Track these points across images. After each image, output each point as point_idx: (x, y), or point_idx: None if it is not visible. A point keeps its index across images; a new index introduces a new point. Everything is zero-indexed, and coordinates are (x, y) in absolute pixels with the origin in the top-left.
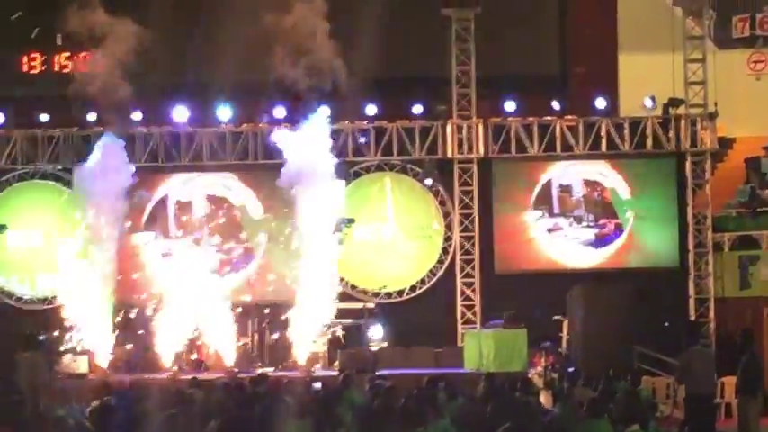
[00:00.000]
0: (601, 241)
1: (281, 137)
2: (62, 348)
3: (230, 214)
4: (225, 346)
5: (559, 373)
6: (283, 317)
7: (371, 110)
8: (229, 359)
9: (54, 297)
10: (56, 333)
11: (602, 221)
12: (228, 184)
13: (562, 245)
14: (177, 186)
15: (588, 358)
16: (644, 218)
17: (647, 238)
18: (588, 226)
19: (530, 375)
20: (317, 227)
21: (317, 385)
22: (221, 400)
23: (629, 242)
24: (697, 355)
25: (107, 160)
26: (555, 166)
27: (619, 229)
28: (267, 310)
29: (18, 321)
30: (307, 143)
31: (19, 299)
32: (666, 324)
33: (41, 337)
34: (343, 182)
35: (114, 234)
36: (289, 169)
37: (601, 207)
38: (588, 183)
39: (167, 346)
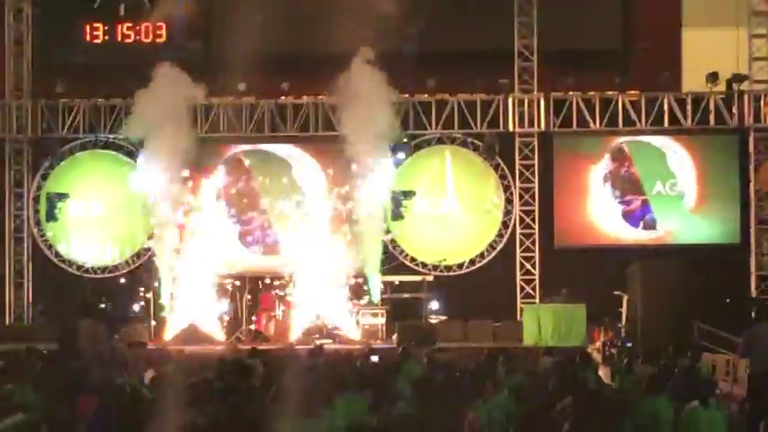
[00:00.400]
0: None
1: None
2: (123, 317)
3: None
4: (284, 316)
5: (618, 349)
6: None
7: (432, 83)
8: (288, 330)
9: (115, 266)
10: (114, 302)
11: (627, 198)
12: (295, 156)
13: (621, 219)
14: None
15: (648, 334)
16: (707, 193)
17: (709, 214)
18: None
19: (588, 350)
20: (374, 199)
21: (375, 358)
22: (278, 371)
23: (692, 217)
24: (763, 332)
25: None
26: (617, 141)
27: (646, 206)
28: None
29: (79, 290)
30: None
31: (80, 267)
32: (727, 301)
33: (102, 306)
34: (403, 155)
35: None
36: (350, 141)
37: (629, 183)
38: (615, 158)
39: (228, 318)
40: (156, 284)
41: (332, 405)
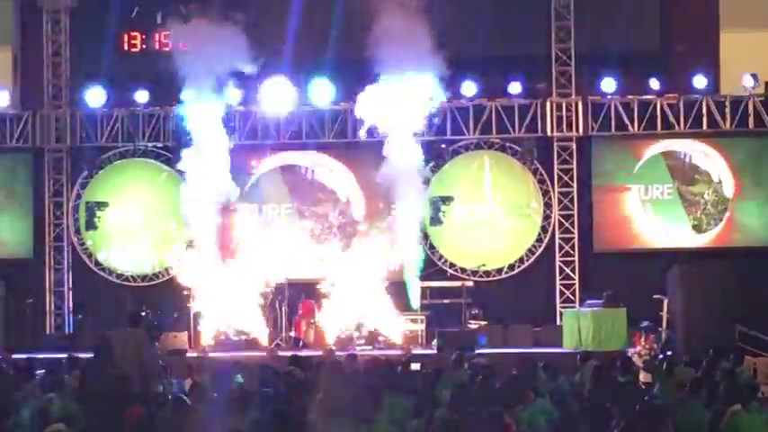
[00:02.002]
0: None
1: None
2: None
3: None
4: (324, 323)
5: (659, 353)
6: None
7: (470, 88)
8: (328, 337)
9: (155, 274)
10: (154, 311)
11: None
12: (330, 166)
13: (661, 223)
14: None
15: (689, 338)
16: (746, 196)
17: (749, 218)
18: None
19: (629, 355)
20: (412, 206)
21: (416, 366)
22: (319, 377)
23: (732, 221)
24: None
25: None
26: (655, 145)
27: None
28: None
29: (119, 298)
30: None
31: (120, 275)
32: None
33: (144, 314)
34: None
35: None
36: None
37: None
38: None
39: (268, 324)
40: (196, 292)
41: (375, 411)
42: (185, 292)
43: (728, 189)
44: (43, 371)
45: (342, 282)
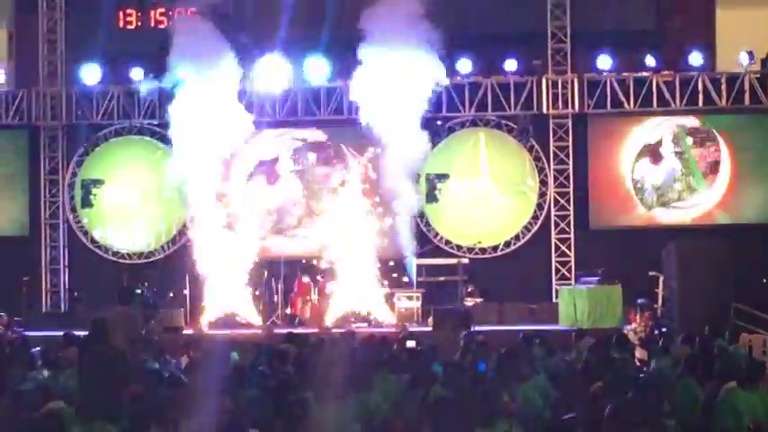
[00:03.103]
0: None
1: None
2: (159, 303)
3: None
4: (320, 300)
5: (655, 330)
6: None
7: (466, 65)
8: (324, 314)
9: (150, 252)
10: (150, 288)
11: None
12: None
13: (657, 201)
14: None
15: (684, 315)
16: (742, 174)
17: (746, 195)
18: None
19: (625, 332)
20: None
21: (412, 343)
22: (314, 355)
23: (728, 197)
24: None
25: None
26: (649, 122)
27: None
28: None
29: (114, 276)
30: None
31: (116, 253)
32: (765, 281)
33: (138, 291)
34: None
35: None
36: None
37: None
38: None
39: (264, 301)
40: (192, 269)
41: (369, 387)
42: (179, 272)
43: (724, 168)
44: (39, 348)
45: (337, 259)
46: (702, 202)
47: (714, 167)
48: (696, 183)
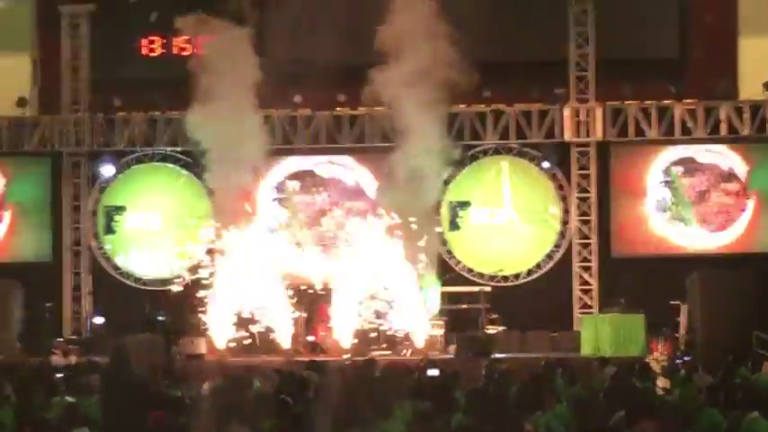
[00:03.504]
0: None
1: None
2: (180, 329)
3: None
4: (341, 328)
5: (678, 359)
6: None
7: (489, 93)
8: (346, 342)
9: (173, 278)
10: (172, 315)
11: None
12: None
13: (680, 229)
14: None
15: (707, 344)
16: (765, 202)
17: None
18: None
19: (647, 361)
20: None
21: (434, 372)
22: (335, 382)
23: (751, 227)
24: None
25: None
26: (673, 150)
27: None
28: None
29: (137, 302)
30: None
31: (138, 279)
32: None
33: (160, 318)
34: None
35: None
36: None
37: None
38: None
39: (284, 329)
40: (213, 296)
41: (390, 415)
42: (202, 294)
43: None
44: (61, 374)
45: (360, 286)
46: (726, 232)
47: (702, 197)
48: (684, 212)
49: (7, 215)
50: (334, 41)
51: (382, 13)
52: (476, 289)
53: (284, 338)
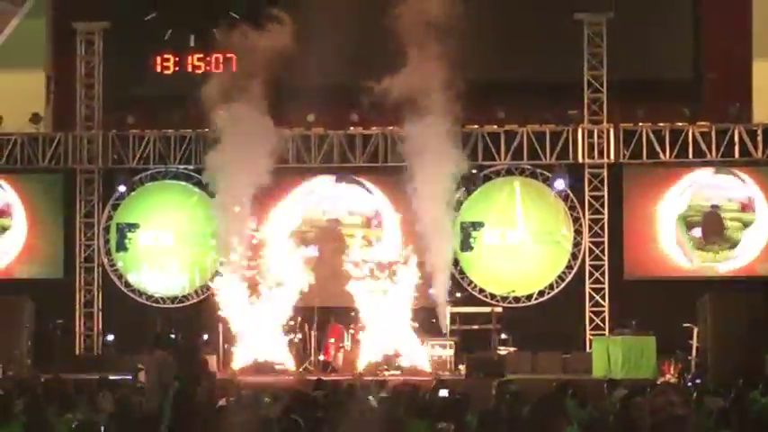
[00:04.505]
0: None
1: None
2: (193, 347)
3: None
4: (353, 348)
5: (689, 382)
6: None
7: (502, 114)
8: (357, 361)
9: (185, 296)
10: (185, 333)
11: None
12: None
13: (693, 252)
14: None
15: (719, 367)
16: None
17: None
18: None
19: (659, 383)
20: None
21: (444, 392)
22: (345, 402)
23: (765, 250)
24: None
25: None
26: (689, 175)
27: None
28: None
29: (149, 320)
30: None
31: (150, 297)
32: None
33: (173, 336)
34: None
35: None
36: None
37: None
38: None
39: (297, 348)
40: (226, 314)
41: None
42: (218, 313)
43: (761, 219)
44: (72, 391)
45: (371, 306)
46: (739, 255)
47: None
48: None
49: (20, 232)
50: (347, 59)
51: (394, 33)
52: (487, 309)
53: (291, 360)
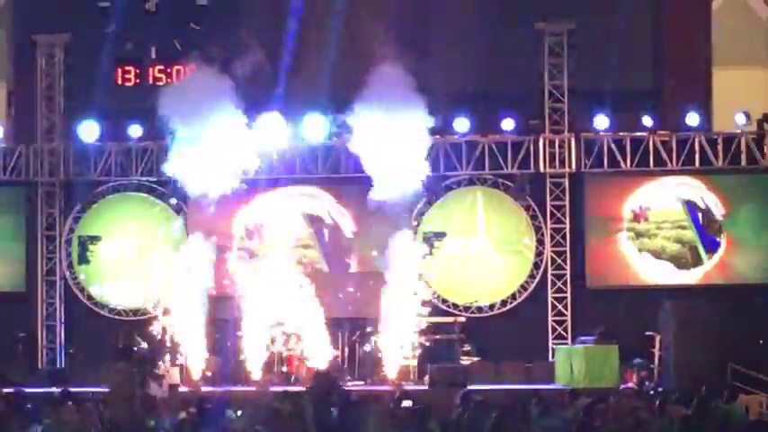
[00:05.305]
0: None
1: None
2: (154, 360)
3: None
4: (315, 359)
5: (651, 390)
6: (371, 330)
7: (463, 124)
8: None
9: (147, 309)
10: (149, 344)
11: None
12: (322, 200)
13: (654, 260)
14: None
15: (681, 375)
16: (738, 234)
17: (741, 255)
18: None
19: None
20: (404, 241)
21: (408, 403)
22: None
23: (724, 259)
24: None
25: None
26: (649, 184)
27: None
28: (358, 323)
29: (111, 333)
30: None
31: (112, 310)
32: (761, 342)
33: (135, 348)
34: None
35: (208, 246)
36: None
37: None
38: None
39: (257, 359)
40: (187, 326)
41: None
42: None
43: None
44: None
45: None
46: (700, 263)
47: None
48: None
49: None
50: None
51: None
52: (450, 319)
53: (256, 369)
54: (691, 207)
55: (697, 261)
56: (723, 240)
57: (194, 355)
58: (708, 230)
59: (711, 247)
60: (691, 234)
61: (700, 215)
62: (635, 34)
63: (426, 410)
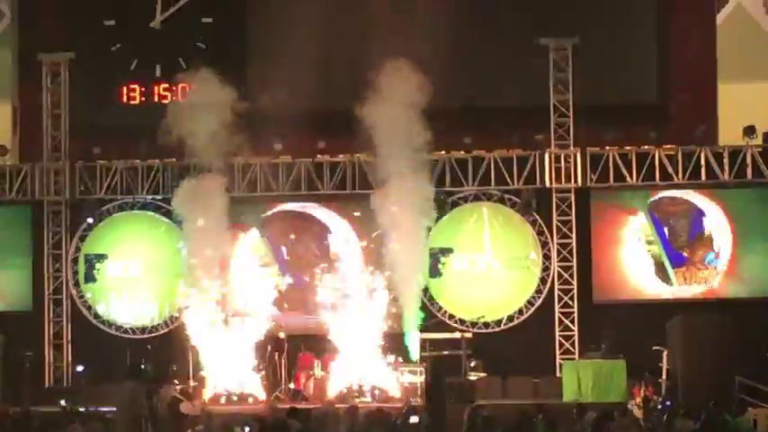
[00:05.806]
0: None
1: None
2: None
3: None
4: (324, 376)
5: (659, 405)
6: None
7: (469, 139)
8: (328, 389)
9: (154, 326)
10: (155, 363)
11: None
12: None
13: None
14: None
15: (689, 389)
16: (745, 248)
17: (749, 269)
18: None
19: (629, 406)
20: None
21: (414, 419)
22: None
23: (730, 272)
24: None
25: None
26: (654, 197)
27: None
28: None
29: (118, 351)
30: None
31: (119, 328)
32: None
33: (143, 367)
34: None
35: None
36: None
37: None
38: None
39: (267, 376)
40: (195, 344)
41: None
42: (188, 343)
43: (725, 242)
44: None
45: (340, 334)
46: (707, 277)
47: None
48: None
49: None
50: (314, 88)
51: (362, 60)
52: (457, 335)
53: (263, 387)
54: (657, 221)
55: (665, 277)
56: (728, 254)
57: (204, 374)
58: (674, 245)
59: (677, 261)
60: (657, 248)
61: (666, 229)
62: (640, 48)
63: (434, 426)
